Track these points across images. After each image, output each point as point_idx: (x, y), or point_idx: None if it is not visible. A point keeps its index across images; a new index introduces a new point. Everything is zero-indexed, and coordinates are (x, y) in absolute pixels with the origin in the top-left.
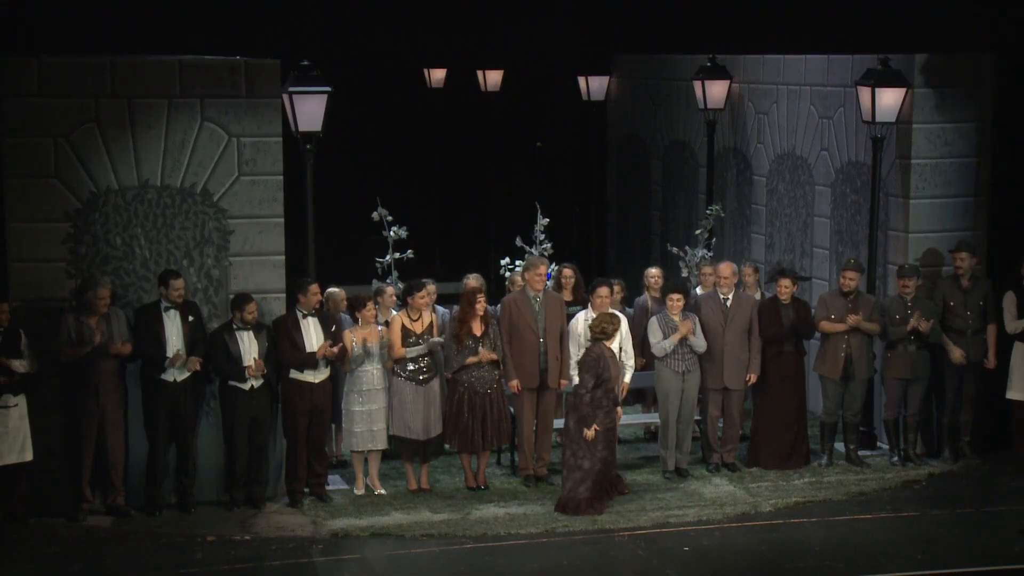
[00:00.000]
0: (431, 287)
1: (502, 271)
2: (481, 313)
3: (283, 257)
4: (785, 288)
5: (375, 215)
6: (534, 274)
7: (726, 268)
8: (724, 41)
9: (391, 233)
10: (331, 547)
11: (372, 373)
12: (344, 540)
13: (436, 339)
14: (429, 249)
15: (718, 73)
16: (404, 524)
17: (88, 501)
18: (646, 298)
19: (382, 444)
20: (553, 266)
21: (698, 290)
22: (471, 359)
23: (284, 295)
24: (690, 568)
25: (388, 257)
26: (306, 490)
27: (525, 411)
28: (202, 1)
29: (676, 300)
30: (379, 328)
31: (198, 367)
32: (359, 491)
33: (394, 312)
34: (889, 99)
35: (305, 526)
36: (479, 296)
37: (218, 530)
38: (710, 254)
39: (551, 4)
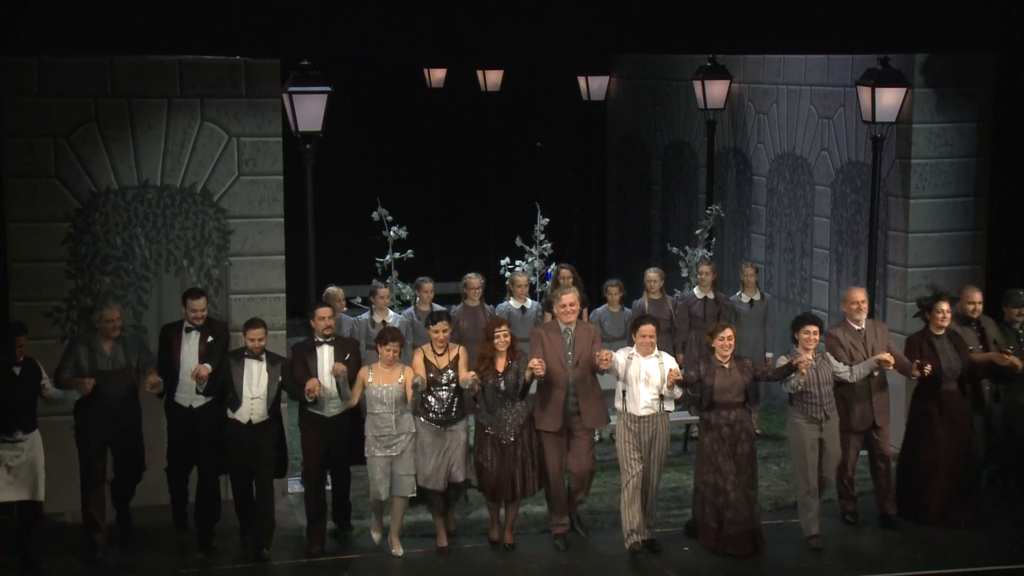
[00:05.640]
0: (441, 324)
1: (502, 271)
2: (503, 348)
3: (283, 257)
4: (944, 315)
5: (375, 215)
6: (559, 307)
7: (859, 292)
8: (724, 41)
9: (391, 233)
10: (331, 546)
11: (389, 417)
12: (344, 539)
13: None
14: (429, 249)
15: (718, 73)
16: (404, 525)
17: (101, 532)
18: (644, 300)
19: (409, 492)
20: (552, 266)
21: (695, 291)
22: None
23: (284, 295)
24: (690, 568)
25: (388, 257)
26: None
27: (552, 458)
28: (202, 1)
29: (813, 333)
30: (401, 369)
31: (204, 374)
32: (376, 533)
33: (391, 312)
34: (889, 99)
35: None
36: (499, 331)
37: (218, 529)
38: (710, 254)
39: (551, 4)
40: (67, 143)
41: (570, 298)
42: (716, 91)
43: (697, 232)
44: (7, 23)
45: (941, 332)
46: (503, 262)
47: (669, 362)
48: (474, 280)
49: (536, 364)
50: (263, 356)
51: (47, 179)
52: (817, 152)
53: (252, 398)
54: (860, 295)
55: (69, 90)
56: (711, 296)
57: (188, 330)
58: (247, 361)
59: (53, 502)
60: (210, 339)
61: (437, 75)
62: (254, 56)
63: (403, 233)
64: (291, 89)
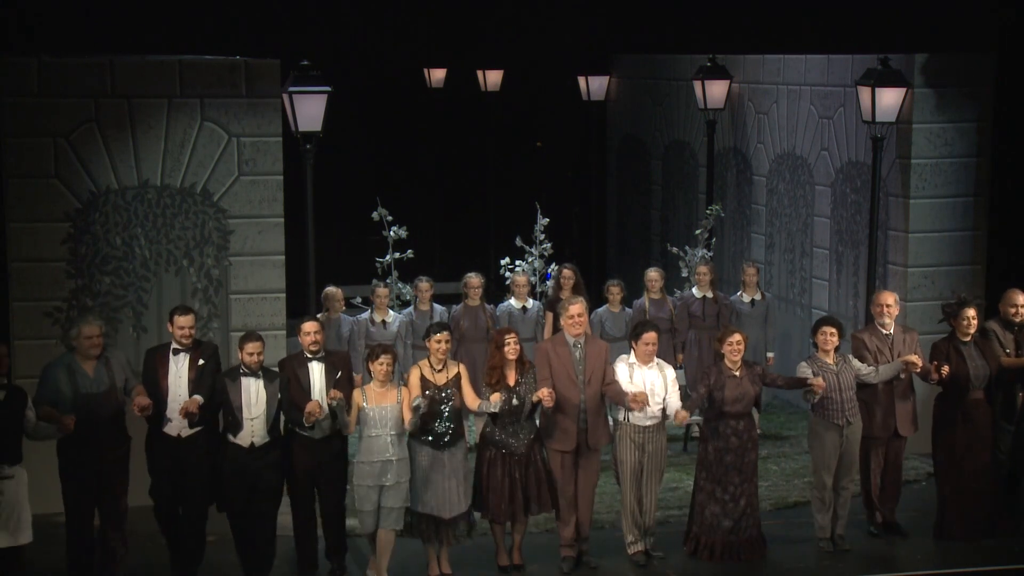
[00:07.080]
0: (442, 334)
1: (502, 271)
2: (513, 357)
3: (283, 257)
4: (970, 322)
5: (375, 215)
6: (567, 318)
7: (888, 296)
8: (724, 41)
9: (391, 233)
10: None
11: (384, 440)
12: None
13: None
14: (429, 249)
15: (718, 73)
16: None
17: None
18: (644, 300)
19: (396, 525)
20: (552, 266)
21: (694, 291)
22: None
23: (284, 295)
24: (690, 568)
25: (388, 257)
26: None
27: (564, 478)
28: (202, 1)
29: (831, 335)
30: (399, 388)
31: (195, 409)
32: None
33: (391, 312)
34: (889, 99)
35: None
36: (508, 338)
37: (218, 530)
38: (710, 254)
39: (551, 4)
40: (67, 143)
41: (578, 308)
42: (716, 91)
43: (697, 232)
44: (7, 23)
45: (968, 339)
46: (503, 262)
47: (669, 372)
48: (474, 280)
49: (545, 397)
50: (260, 373)
51: (47, 179)
52: (817, 152)
53: (251, 419)
54: (888, 298)
55: (69, 90)
56: (710, 296)
57: (176, 352)
58: (244, 380)
59: (52, 502)
60: (200, 362)
61: (437, 75)
62: (254, 56)
63: (403, 233)
64: (291, 89)
